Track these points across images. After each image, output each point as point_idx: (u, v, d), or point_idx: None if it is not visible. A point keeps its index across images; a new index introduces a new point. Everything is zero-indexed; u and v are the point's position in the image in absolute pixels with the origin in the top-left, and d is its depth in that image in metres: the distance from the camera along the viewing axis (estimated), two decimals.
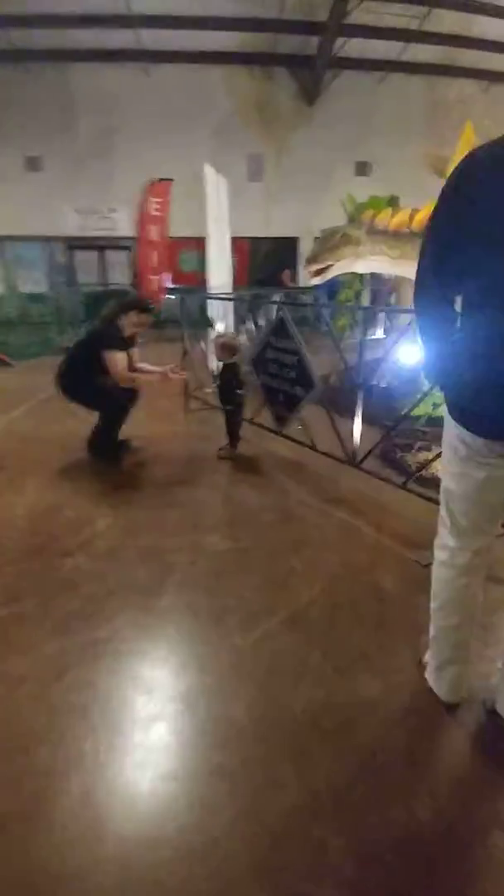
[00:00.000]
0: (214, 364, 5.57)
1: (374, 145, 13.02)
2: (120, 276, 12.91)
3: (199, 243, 13.12)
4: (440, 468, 1.71)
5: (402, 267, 4.64)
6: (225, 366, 3.81)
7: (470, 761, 1.55)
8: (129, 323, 3.73)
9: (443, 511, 1.65)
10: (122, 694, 1.79)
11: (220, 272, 5.99)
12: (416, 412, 5.07)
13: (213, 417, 5.05)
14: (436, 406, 5.02)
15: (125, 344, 3.72)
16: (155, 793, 1.44)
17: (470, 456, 1.43)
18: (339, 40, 10.90)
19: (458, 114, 12.78)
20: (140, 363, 3.91)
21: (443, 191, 1.33)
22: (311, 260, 4.22)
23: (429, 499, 2.94)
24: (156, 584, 2.40)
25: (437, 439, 3.92)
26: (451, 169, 3.86)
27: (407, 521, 2.97)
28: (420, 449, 4.08)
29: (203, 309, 6.00)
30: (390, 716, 1.70)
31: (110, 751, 1.56)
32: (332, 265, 4.25)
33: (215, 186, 5.68)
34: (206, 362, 5.59)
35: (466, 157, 1.28)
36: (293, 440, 3.90)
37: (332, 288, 12.38)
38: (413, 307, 1.48)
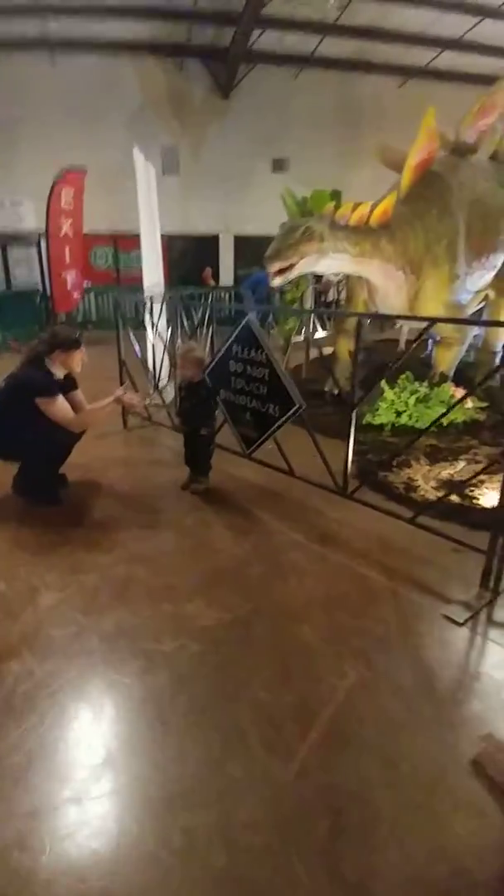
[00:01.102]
0: (164, 379, 4.94)
1: (291, 142, 12.83)
2: (27, 275, 11.65)
3: (114, 239, 12.30)
4: None
5: (363, 266, 4.29)
6: (196, 383, 3.22)
7: None
8: (58, 364, 3.04)
9: None
10: None
11: (154, 270, 5.31)
12: (379, 420, 4.80)
13: (158, 436, 4.42)
14: (399, 413, 4.76)
15: (62, 387, 3.03)
16: None
17: None
18: (255, 33, 10.53)
19: (372, 111, 12.93)
20: (88, 405, 3.24)
21: None
22: (273, 257, 3.72)
23: (438, 533, 2.57)
24: (137, 692, 1.78)
25: (413, 451, 3.50)
26: (412, 158, 3.44)
27: (418, 562, 2.56)
28: (400, 465, 3.75)
29: (138, 310, 5.31)
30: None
31: None
32: (295, 263, 3.78)
33: (145, 175, 4.99)
34: (145, 368, 4.92)
35: None
36: (266, 465, 3.38)
37: (256, 286, 12.09)
38: None
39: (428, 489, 3.40)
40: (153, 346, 5.04)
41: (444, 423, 4.56)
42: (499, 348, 5.75)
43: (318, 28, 10.54)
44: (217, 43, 11.20)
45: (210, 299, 7.02)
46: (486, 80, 12.61)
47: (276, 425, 3.12)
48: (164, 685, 1.79)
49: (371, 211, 4.02)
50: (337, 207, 3.97)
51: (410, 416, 4.61)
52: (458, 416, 4.67)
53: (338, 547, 2.69)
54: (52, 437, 2.98)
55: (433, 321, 2.79)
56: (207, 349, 6.26)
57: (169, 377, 5.65)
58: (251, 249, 13.58)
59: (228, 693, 1.76)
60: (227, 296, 11.10)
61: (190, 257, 12.80)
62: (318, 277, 8.00)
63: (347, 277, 5.18)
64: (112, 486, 3.39)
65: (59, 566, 2.50)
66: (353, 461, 3.96)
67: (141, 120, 11.46)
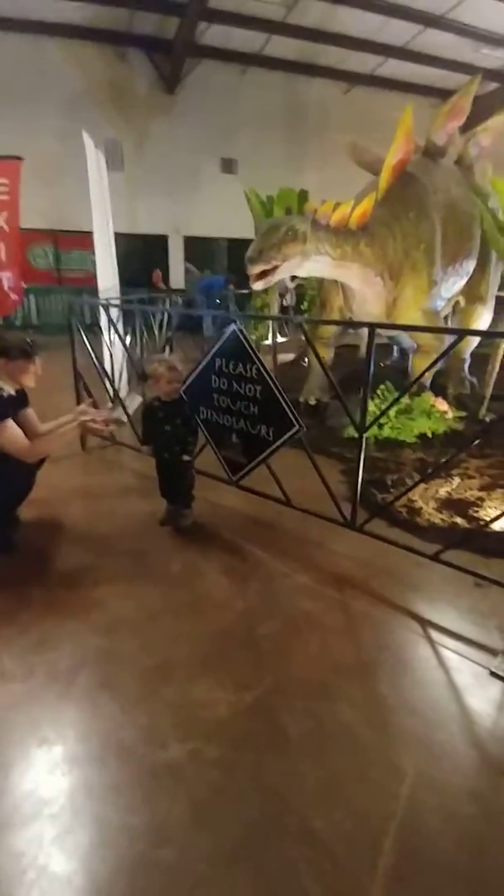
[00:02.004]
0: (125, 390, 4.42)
1: (239, 142, 12.57)
2: None
3: (54, 237, 11.47)
4: None
5: (342, 270, 3.99)
6: (176, 401, 2.77)
7: None
8: (5, 377, 2.50)
9: None
10: None
11: (109, 272, 4.78)
12: None
13: (122, 457, 3.93)
14: (381, 426, 4.50)
15: (12, 406, 2.49)
16: None
17: None
18: (201, 26, 10.15)
19: (318, 115, 12.88)
20: (42, 425, 2.71)
21: None
22: (255, 259, 3.33)
23: (459, 569, 2.28)
24: (144, 840, 1.33)
25: (404, 466, 3.22)
26: (391, 157, 3.12)
27: (445, 603, 2.26)
28: (396, 484, 3.47)
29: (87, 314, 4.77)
30: None
31: None
32: (278, 266, 3.41)
33: (96, 165, 4.46)
34: (105, 378, 4.39)
35: None
36: (256, 493, 2.99)
37: (209, 290, 11.69)
38: None
39: (431, 511, 3.13)
40: (111, 354, 4.52)
41: (430, 436, 4.39)
42: (468, 356, 5.66)
43: (265, 25, 10.31)
44: (161, 33, 10.72)
45: (167, 304, 6.53)
46: (429, 91, 12.93)
47: (270, 450, 2.74)
48: (180, 821, 1.35)
49: (352, 212, 3.73)
50: (317, 206, 3.63)
51: (393, 428, 4.38)
52: (439, 427, 4.49)
53: (354, 590, 2.34)
54: (5, 475, 2.45)
55: (465, 333, 2.51)
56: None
57: (129, 389, 5.15)
58: (203, 251, 13.15)
59: (268, 823, 1.35)
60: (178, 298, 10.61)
61: (137, 258, 12.19)
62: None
63: (320, 283, 4.89)
64: (76, 526, 2.87)
65: (18, 642, 1.99)
66: (342, 481, 3.69)
67: (79, 109, 10.76)
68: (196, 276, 11.89)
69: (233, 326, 2.72)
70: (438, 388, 5.14)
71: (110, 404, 4.82)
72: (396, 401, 2.62)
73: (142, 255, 12.21)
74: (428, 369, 3.07)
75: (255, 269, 3.38)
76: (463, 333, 4.05)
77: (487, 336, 5.65)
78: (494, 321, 5.63)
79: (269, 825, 1.34)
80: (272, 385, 2.60)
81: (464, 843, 1.32)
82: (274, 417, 2.67)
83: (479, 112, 5.03)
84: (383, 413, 2.70)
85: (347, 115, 12.66)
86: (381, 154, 4.75)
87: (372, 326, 2.33)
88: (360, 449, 2.48)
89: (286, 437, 2.63)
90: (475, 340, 5.47)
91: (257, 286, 3.54)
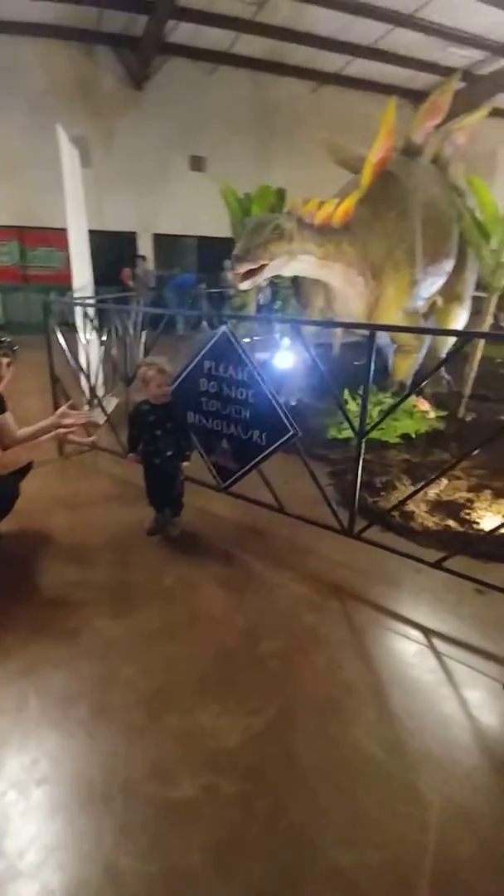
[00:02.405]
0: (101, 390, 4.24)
1: (208, 140, 12.41)
2: None
3: (19, 233, 11.03)
4: None
5: (326, 270, 3.93)
6: (167, 405, 2.64)
7: None
8: None
9: None
10: None
11: (84, 270, 4.58)
12: (345, 434, 4.47)
13: (101, 462, 3.77)
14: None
15: None
16: None
17: None
18: (169, 24, 9.93)
19: (287, 113, 12.83)
20: (20, 430, 2.54)
21: None
22: (241, 257, 3.21)
23: (461, 576, 2.25)
24: (172, 881, 1.22)
25: (391, 468, 3.16)
26: (373, 155, 3.05)
27: (446, 612, 2.21)
28: (385, 487, 3.43)
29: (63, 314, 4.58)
30: None
31: None
32: (266, 265, 3.31)
33: (70, 160, 4.25)
34: (81, 378, 4.22)
35: None
36: (247, 500, 2.89)
37: (182, 287, 11.51)
38: None
39: (423, 514, 3.10)
40: (87, 354, 4.33)
41: (413, 436, 4.38)
42: (444, 354, 5.70)
43: (235, 23, 10.17)
44: (128, 31, 10.46)
45: (141, 302, 6.36)
46: (396, 91, 13.04)
47: (263, 455, 2.65)
48: (199, 867, 1.25)
49: (335, 211, 3.67)
50: (302, 203, 3.56)
51: (377, 429, 4.34)
52: (422, 426, 4.50)
53: (355, 601, 2.28)
54: None
55: (479, 335, 2.47)
56: (141, 357, 5.64)
57: (106, 390, 4.96)
58: (172, 249, 12.93)
59: (294, 864, 1.26)
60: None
61: (105, 256, 11.87)
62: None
63: (298, 283, 4.82)
64: (59, 539, 2.71)
65: (3, 667, 1.84)
66: (330, 483, 3.63)
67: (44, 105, 10.40)
68: (145, 271, 11.62)
69: (223, 328, 2.61)
70: (414, 387, 5.16)
71: (86, 406, 4.64)
72: (401, 402, 2.56)
73: (110, 253, 11.89)
74: (435, 369, 3.00)
75: (241, 268, 3.27)
76: (461, 335, 4.05)
77: (485, 338, 5.69)
78: (470, 321, 5.70)
79: (295, 867, 1.25)
80: (265, 388, 2.51)
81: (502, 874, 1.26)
82: (267, 422, 2.58)
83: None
84: (384, 417, 2.63)
85: (316, 113, 12.66)
86: (360, 152, 4.73)
87: (373, 328, 2.26)
88: (359, 454, 2.42)
89: (281, 442, 2.54)
90: (452, 339, 5.52)
91: (244, 286, 3.43)
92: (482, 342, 4.72)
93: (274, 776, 1.47)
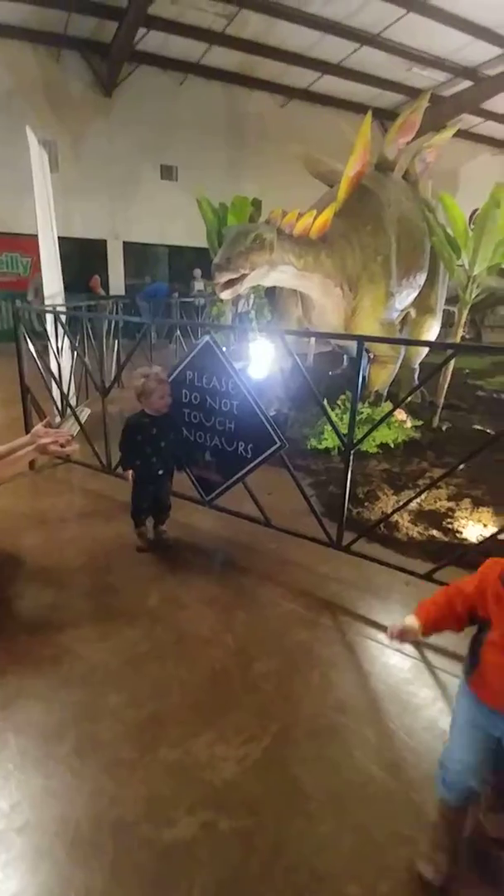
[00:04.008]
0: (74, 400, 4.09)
1: (179, 149, 12.41)
2: None
3: None
4: None
5: (304, 281, 3.93)
6: (165, 415, 2.55)
7: None
8: None
9: None
10: None
11: (55, 277, 4.45)
12: (325, 444, 4.45)
13: (74, 477, 3.64)
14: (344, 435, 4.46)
15: None
16: None
17: None
18: (139, 31, 9.90)
19: (255, 126, 12.97)
20: None
21: None
22: (223, 267, 3.16)
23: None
24: None
25: (372, 478, 3.17)
26: (350, 168, 3.07)
27: None
28: (368, 497, 3.41)
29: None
30: None
31: None
32: (246, 274, 3.27)
33: (40, 163, 4.13)
34: (54, 388, 4.07)
35: None
36: (232, 513, 2.82)
37: (153, 297, 11.38)
38: None
39: (407, 525, 3.10)
40: (59, 364, 4.19)
41: (392, 445, 4.41)
42: (417, 365, 5.80)
43: (205, 35, 10.23)
44: (97, 37, 10.38)
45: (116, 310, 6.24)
46: (362, 109, 13.33)
47: (249, 468, 2.59)
48: None
49: (313, 222, 3.68)
50: (281, 214, 3.54)
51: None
52: (400, 436, 4.53)
53: (346, 615, 2.23)
54: None
55: (464, 348, 2.48)
56: (114, 365, 5.51)
57: (78, 401, 4.82)
58: (143, 257, 12.81)
59: None
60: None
61: (74, 263, 11.65)
62: None
63: (278, 293, 4.81)
64: (34, 558, 2.58)
65: None
66: (312, 494, 3.59)
67: (9, 106, 10.19)
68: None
69: (206, 338, 2.55)
70: (391, 398, 5.22)
71: (58, 418, 4.48)
72: (389, 414, 2.55)
73: (78, 260, 11.68)
74: (424, 381, 3.01)
75: (222, 278, 3.23)
76: (452, 348, 4.10)
77: (478, 351, 5.79)
78: (442, 333, 5.82)
79: None
80: (251, 400, 2.46)
81: None
82: (252, 433, 2.53)
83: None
84: (374, 428, 2.62)
85: (284, 128, 12.82)
86: (334, 166, 4.78)
87: (360, 339, 2.24)
88: (348, 466, 2.39)
89: (267, 454, 2.49)
90: (425, 350, 5.62)
91: (225, 295, 3.38)
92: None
93: (274, 807, 1.40)
